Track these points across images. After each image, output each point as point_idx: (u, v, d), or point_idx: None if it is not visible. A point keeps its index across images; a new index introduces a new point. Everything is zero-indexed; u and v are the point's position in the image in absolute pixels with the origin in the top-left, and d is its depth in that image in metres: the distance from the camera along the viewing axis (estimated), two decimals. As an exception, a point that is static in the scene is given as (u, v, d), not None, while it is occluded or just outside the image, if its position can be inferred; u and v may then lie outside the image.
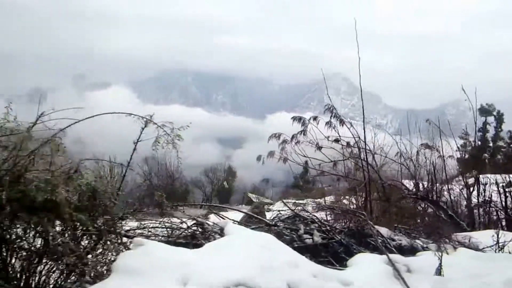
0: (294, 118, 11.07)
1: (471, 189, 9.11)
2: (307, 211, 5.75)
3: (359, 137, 10.34)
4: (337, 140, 10.51)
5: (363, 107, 10.25)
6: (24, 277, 3.41)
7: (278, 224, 5.42)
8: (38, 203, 3.32)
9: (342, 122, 9.83)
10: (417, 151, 9.36)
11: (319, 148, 10.15)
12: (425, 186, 9.10)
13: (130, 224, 4.83)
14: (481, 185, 9.15)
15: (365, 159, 9.40)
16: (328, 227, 5.39)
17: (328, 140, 10.52)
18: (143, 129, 5.16)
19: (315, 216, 5.61)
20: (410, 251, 5.56)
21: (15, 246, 3.41)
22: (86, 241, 3.71)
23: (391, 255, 4.54)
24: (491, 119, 34.49)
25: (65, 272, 3.47)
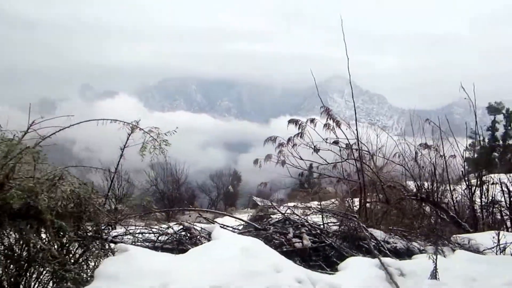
0: (290, 121, 10.96)
1: (473, 189, 8.91)
2: (298, 215, 5.64)
3: (357, 139, 10.21)
4: (336, 142, 10.39)
5: (354, 107, 10.09)
6: (7, 285, 3.37)
7: (267, 228, 5.31)
8: (21, 210, 3.26)
9: (338, 124, 9.70)
10: (416, 152, 9.18)
11: (317, 150, 10.02)
12: (427, 187, 8.94)
13: (119, 230, 4.76)
14: (484, 185, 8.94)
15: (362, 161, 9.26)
16: (318, 231, 5.27)
17: (326, 142, 10.40)
18: (129, 135, 5.10)
19: (305, 219, 5.48)
20: (406, 254, 5.41)
21: None
22: (71, 248, 3.65)
23: (383, 259, 4.40)
24: (500, 117, 33.93)
25: (47, 278, 3.41)
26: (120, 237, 4.49)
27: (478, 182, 9.40)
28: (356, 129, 9.41)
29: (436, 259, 4.28)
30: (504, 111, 33.49)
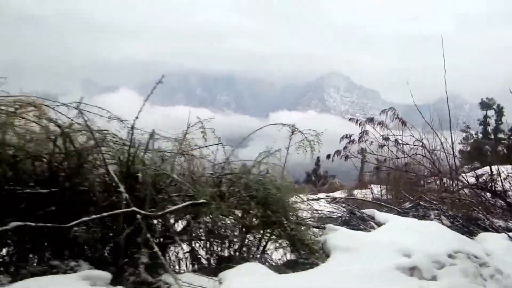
0: (351, 120, 11.95)
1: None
2: (429, 200, 6.59)
3: (413, 136, 11.12)
4: (386, 139, 11.37)
5: (449, 112, 10.44)
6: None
7: (406, 211, 6.24)
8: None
9: (404, 123, 10.63)
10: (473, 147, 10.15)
11: (382, 146, 10.98)
12: (483, 177, 9.84)
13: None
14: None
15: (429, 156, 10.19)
16: (450, 213, 6.22)
17: (383, 139, 11.36)
18: (291, 136, 5.96)
19: (437, 204, 6.43)
20: (507, 231, 6.36)
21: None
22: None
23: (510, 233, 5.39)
24: (491, 112, 34.93)
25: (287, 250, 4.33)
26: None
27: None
28: (450, 132, 10.18)
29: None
30: (495, 107, 34.51)
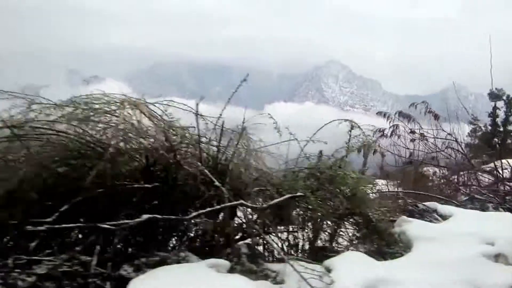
0: (380, 113, 12.40)
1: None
2: (483, 192, 7.07)
3: (443, 129, 11.56)
4: (422, 135, 11.80)
5: (495, 106, 11.04)
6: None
7: (463, 204, 6.69)
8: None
9: (436, 117, 11.06)
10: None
11: (413, 140, 11.41)
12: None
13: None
14: None
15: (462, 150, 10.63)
16: (505, 206, 6.69)
17: (410, 132, 11.81)
18: (350, 131, 6.34)
19: (492, 196, 6.91)
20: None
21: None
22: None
23: None
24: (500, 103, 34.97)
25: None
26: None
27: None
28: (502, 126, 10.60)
29: None
30: (504, 98, 34.52)
